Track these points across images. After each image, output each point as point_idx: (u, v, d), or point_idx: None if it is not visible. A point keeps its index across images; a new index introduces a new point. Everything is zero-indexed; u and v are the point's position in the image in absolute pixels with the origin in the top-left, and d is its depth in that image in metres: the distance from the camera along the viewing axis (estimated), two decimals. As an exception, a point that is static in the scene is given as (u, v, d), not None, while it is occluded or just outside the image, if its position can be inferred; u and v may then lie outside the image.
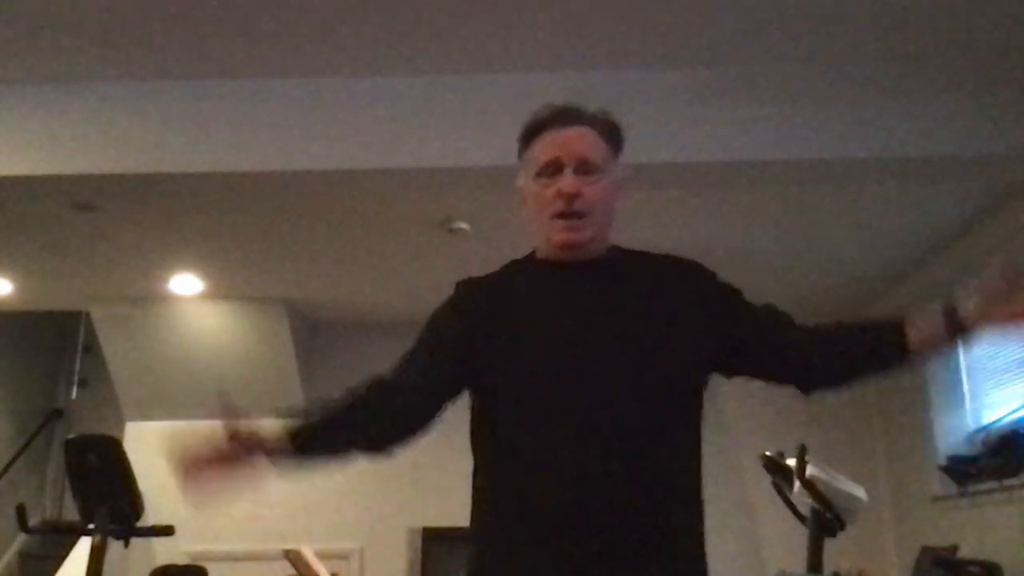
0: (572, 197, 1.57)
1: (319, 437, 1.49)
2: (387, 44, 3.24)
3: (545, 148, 1.62)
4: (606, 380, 1.48)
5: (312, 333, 6.23)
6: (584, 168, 1.59)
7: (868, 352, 1.63)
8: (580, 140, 1.61)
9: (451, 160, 3.38)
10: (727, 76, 3.37)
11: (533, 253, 1.70)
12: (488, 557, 1.54)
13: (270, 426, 1.45)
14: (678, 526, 1.49)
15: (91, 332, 6.12)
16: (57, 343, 7.22)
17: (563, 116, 1.64)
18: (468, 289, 1.67)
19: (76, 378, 7.17)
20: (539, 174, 1.61)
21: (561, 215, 1.58)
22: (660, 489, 1.46)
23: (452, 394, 1.57)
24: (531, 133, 1.66)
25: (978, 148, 3.31)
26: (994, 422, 4.68)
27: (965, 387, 5.03)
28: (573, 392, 1.48)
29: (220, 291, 5.61)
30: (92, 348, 6.62)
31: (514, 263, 1.71)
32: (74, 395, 7.16)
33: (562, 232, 1.59)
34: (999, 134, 3.28)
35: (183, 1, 2.98)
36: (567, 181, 1.57)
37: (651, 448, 1.48)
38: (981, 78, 3.30)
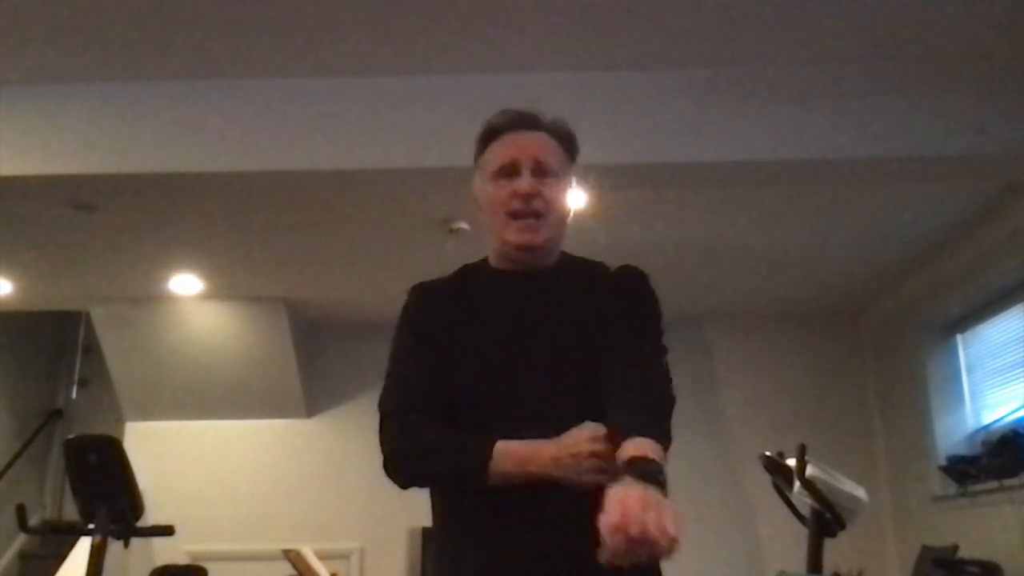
0: (529, 197, 1.57)
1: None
2: (387, 44, 3.24)
3: (502, 150, 1.62)
4: (553, 390, 1.49)
5: (312, 333, 6.23)
6: (541, 170, 1.59)
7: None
8: (537, 144, 1.61)
9: (451, 160, 3.38)
10: (727, 76, 3.37)
11: (486, 260, 1.69)
12: (444, 562, 1.54)
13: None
14: None
15: (91, 332, 6.12)
16: (57, 343, 7.22)
17: (520, 121, 1.64)
18: (420, 295, 1.65)
19: (76, 378, 7.17)
20: (496, 175, 1.61)
21: (517, 214, 1.58)
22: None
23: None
24: (487, 137, 1.66)
25: (978, 148, 3.31)
26: (994, 422, 4.69)
27: (965, 387, 5.04)
28: (518, 403, 1.48)
29: (220, 291, 5.61)
30: (92, 348, 6.62)
31: (468, 268, 1.70)
32: (74, 395, 7.16)
33: (520, 233, 1.58)
34: (999, 134, 3.28)
35: (183, 1, 2.98)
36: (524, 181, 1.57)
37: None
38: (981, 78, 3.30)
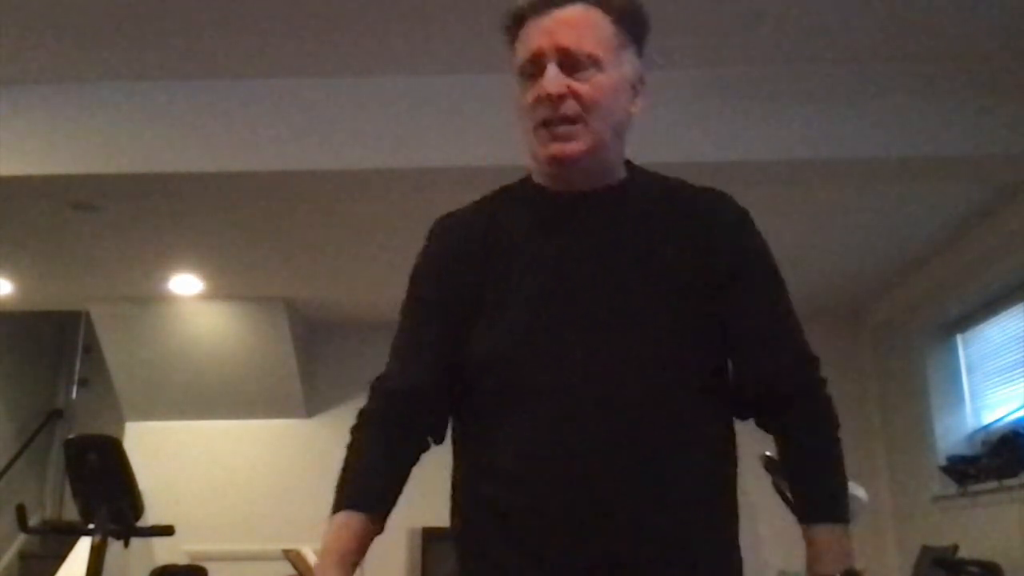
0: (557, 99, 1.21)
1: (390, 498, 1.29)
2: (388, 44, 3.23)
3: (524, 42, 1.27)
4: (607, 354, 1.19)
5: (312, 333, 6.22)
6: (573, 61, 1.22)
7: (792, 478, 1.39)
8: (568, 24, 1.23)
9: (451, 160, 3.38)
10: (726, 76, 3.37)
11: (529, 178, 1.36)
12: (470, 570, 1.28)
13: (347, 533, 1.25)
14: (694, 529, 1.23)
15: (91, 332, 6.12)
16: (57, 343, 7.22)
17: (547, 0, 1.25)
18: (444, 237, 1.36)
19: (76, 378, 7.18)
20: (522, 75, 1.27)
21: (547, 123, 1.24)
22: (670, 486, 1.19)
23: (454, 364, 1.30)
24: (512, 28, 1.30)
25: (978, 148, 3.31)
26: (994, 422, 4.69)
27: (965, 387, 5.04)
28: (563, 369, 1.19)
29: (220, 291, 5.62)
30: (92, 348, 6.62)
31: (504, 191, 1.38)
32: (74, 395, 7.16)
33: (549, 144, 1.24)
34: (999, 134, 3.28)
35: (183, 1, 2.98)
36: (548, 81, 1.22)
37: (663, 439, 1.18)
38: (981, 78, 3.30)
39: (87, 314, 6.03)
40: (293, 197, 4.18)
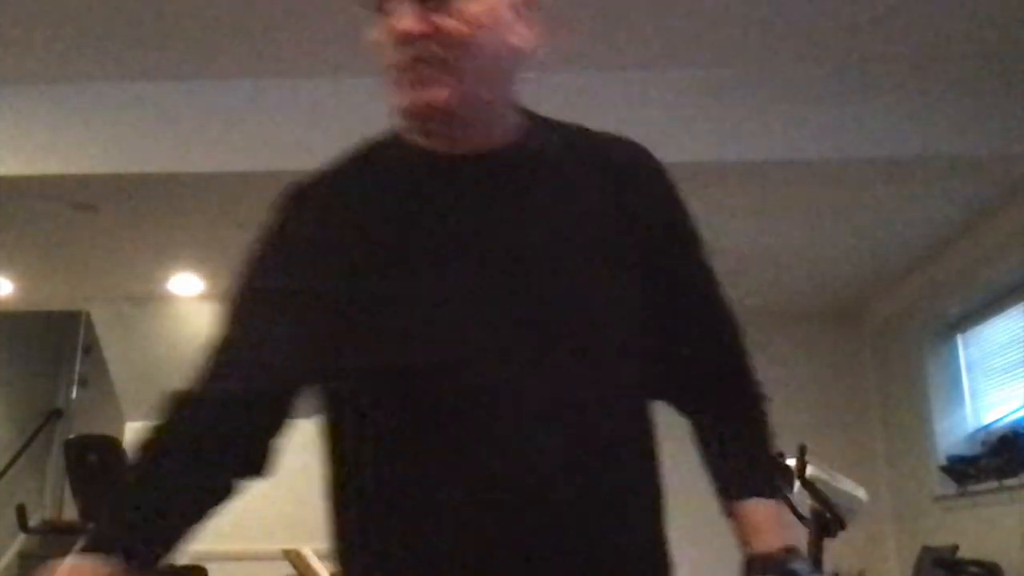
0: (415, 38, 0.98)
1: (166, 545, 0.99)
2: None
3: None
4: (549, 352, 0.98)
5: (312, 333, 6.22)
6: None
7: (723, 455, 1.15)
8: None
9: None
10: (726, 76, 3.37)
11: (400, 135, 1.12)
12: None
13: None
14: (657, 548, 1.07)
15: (91, 332, 6.12)
16: (57, 343, 7.22)
17: None
18: (299, 212, 1.12)
19: (76, 378, 7.18)
20: (378, 10, 1.02)
21: (403, 67, 1.00)
22: (633, 504, 1.03)
23: (305, 375, 1.08)
24: None
25: (978, 148, 3.31)
26: (994, 422, 4.69)
27: (965, 387, 5.04)
28: (502, 373, 0.97)
29: (220, 291, 5.61)
30: (92, 348, 6.62)
31: (373, 152, 1.15)
32: (74, 395, 7.16)
33: (408, 91, 1.01)
34: (999, 134, 3.28)
35: (183, 1, 2.98)
36: (402, 15, 0.98)
37: (619, 450, 1.02)
38: (981, 78, 3.30)
39: (87, 314, 6.03)
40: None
